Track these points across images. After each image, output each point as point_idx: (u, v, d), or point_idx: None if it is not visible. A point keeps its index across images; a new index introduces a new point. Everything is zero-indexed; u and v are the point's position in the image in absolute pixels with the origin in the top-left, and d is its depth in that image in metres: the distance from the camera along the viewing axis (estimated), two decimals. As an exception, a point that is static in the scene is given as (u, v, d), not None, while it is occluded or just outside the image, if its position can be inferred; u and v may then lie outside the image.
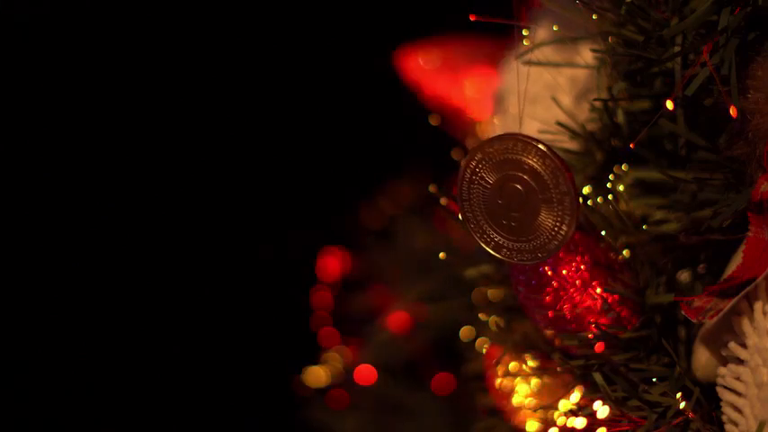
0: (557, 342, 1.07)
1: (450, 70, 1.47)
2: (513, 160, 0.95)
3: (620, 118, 1.07)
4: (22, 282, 1.92)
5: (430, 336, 1.49)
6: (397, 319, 1.52)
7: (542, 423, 1.11)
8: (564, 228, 0.95)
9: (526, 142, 0.95)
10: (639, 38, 0.99)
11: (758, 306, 0.96)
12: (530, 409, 1.13)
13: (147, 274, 1.92)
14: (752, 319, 0.96)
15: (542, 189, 0.95)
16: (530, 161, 0.95)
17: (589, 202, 1.05)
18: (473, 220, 0.98)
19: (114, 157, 1.93)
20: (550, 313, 1.05)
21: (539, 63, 1.09)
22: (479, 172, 0.97)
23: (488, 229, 0.98)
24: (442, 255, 1.31)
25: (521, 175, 0.96)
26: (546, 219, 0.96)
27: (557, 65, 1.11)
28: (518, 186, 0.96)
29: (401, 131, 1.69)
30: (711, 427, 1.00)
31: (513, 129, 0.98)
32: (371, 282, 1.55)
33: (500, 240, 0.98)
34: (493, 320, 1.13)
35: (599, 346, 1.03)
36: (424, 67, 1.47)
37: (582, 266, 1.03)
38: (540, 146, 0.94)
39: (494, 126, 1.29)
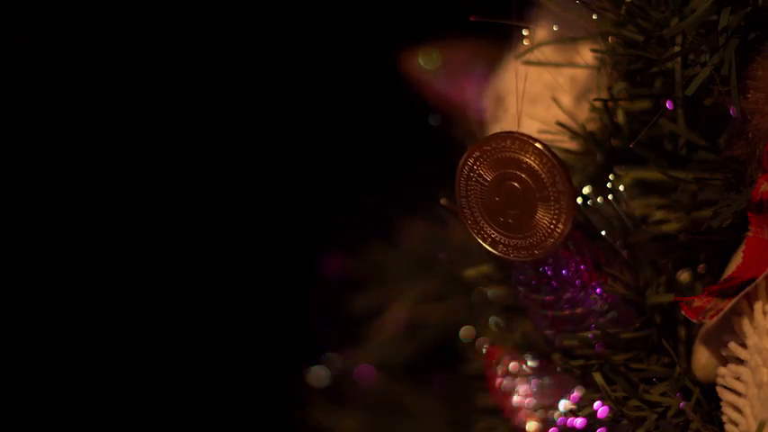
0: (557, 342, 1.07)
1: (451, 70, 1.47)
2: (511, 158, 0.96)
3: (620, 118, 1.07)
4: (22, 282, 1.92)
5: (430, 336, 1.49)
6: (396, 318, 1.52)
7: (542, 423, 1.11)
8: (560, 226, 0.96)
9: (523, 141, 0.95)
10: (639, 38, 0.99)
11: (758, 306, 0.96)
12: (530, 409, 1.13)
13: (147, 274, 1.92)
14: (752, 319, 0.96)
15: (539, 187, 0.95)
16: (527, 159, 0.95)
17: (589, 202, 1.05)
18: (470, 217, 0.99)
19: (114, 156, 1.93)
20: (550, 313, 1.05)
21: (539, 63, 1.09)
22: (477, 169, 0.97)
23: (485, 225, 0.98)
24: (441, 255, 1.31)
25: (518, 173, 0.96)
26: (543, 217, 0.96)
27: (557, 65, 1.11)
28: (515, 184, 0.96)
29: (402, 131, 1.69)
30: (711, 427, 1.00)
31: (512, 128, 0.98)
32: (371, 282, 1.55)
33: (497, 237, 0.98)
34: (493, 320, 1.13)
35: (599, 346, 1.03)
36: (424, 68, 1.48)
37: (582, 266, 1.04)
38: (538, 144, 0.95)
39: (493, 126, 1.29)
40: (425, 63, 1.48)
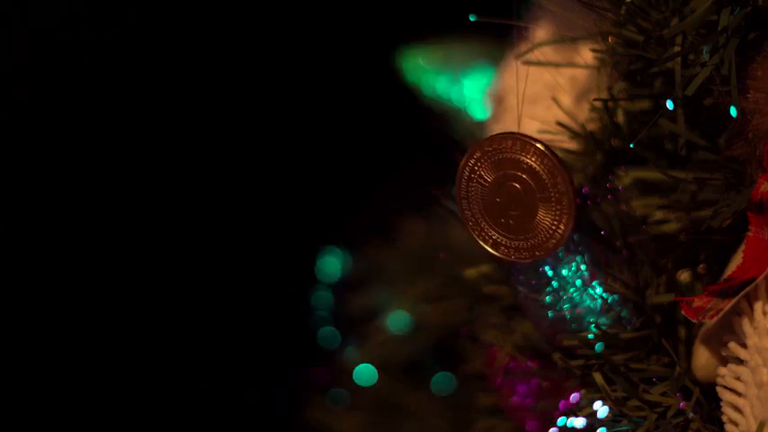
0: (557, 342, 1.07)
1: (451, 70, 1.47)
2: (512, 159, 0.96)
3: (620, 118, 1.07)
4: (22, 282, 1.92)
5: (430, 336, 1.49)
6: (397, 319, 1.52)
7: (542, 423, 1.11)
8: (561, 227, 0.96)
9: (525, 141, 0.95)
10: (639, 38, 0.99)
11: (758, 306, 0.96)
12: (530, 409, 1.13)
13: (147, 274, 1.92)
14: (752, 319, 0.96)
15: (540, 188, 0.95)
16: (528, 160, 0.95)
17: (589, 202, 1.05)
18: (471, 218, 0.99)
19: (114, 156, 1.93)
20: (550, 313, 1.05)
21: (539, 63, 1.09)
22: (478, 170, 0.97)
23: (486, 226, 0.98)
24: (441, 255, 1.31)
25: (519, 174, 0.96)
26: (544, 218, 0.96)
27: (557, 65, 1.11)
28: (516, 185, 0.96)
29: (401, 131, 1.69)
30: (711, 427, 1.00)
31: (513, 128, 0.98)
32: (371, 282, 1.55)
33: (498, 238, 0.98)
34: (493, 320, 1.13)
35: (599, 347, 1.03)
36: (424, 67, 1.48)
37: (582, 266, 1.04)
38: (539, 145, 0.95)
39: (493, 126, 1.29)
40: (425, 63, 1.48)
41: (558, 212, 0.95)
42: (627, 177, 1.07)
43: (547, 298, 1.05)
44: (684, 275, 1.06)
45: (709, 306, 0.96)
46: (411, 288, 1.49)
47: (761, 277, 0.95)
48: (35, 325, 1.92)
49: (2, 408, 1.90)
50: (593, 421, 1.02)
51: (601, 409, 1.01)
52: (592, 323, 1.04)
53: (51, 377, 1.92)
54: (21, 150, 1.92)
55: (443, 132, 1.44)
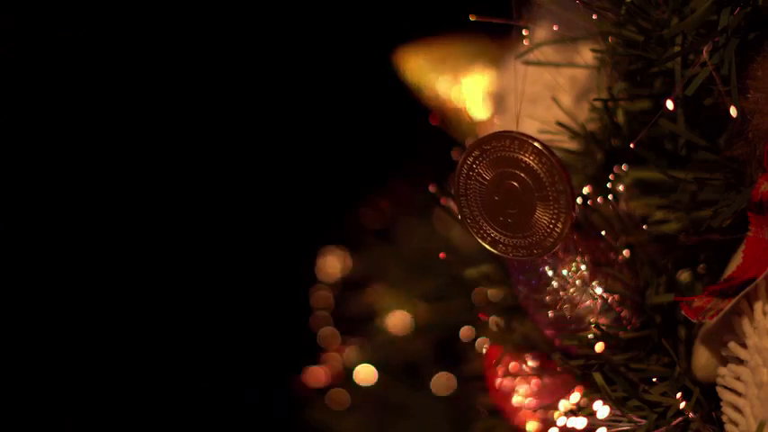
0: (557, 342, 1.07)
1: (450, 70, 1.47)
2: (510, 158, 0.96)
3: (620, 118, 1.07)
4: (22, 282, 1.92)
5: (430, 336, 1.49)
6: (397, 319, 1.52)
7: (542, 423, 1.11)
8: (559, 225, 0.96)
9: (523, 140, 0.95)
10: (639, 38, 1.00)
11: (758, 306, 0.96)
12: (530, 409, 1.13)
13: (147, 274, 1.93)
14: (752, 319, 0.96)
15: (538, 187, 0.95)
16: (526, 159, 0.95)
17: (589, 202, 1.05)
18: (470, 216, 0.99)
19: (114, 156, 1.93)
20: (550, 313, 1.05)
21: (539, 63, 1.09)
22: (476, 168, 0.97)
23: (485, 224, 0.98)
24: (441, 255, 1.31)
25: (517, 172, 0.96)
26: (542, 216, 0.96)
27: (557, 65, 1.11)
28: (514, 183, 0.96)
29: (401, 131, 1.70)
30: (711, 427, 1.00)
31: (512, 128, 0.98)
32: (371, 282, 1.55)
33: (496, 236, 0.98)
34: (493, 320, 1.13)
35: (599, 346, 1.03)
36: (423, 67, 1.48)
37: (582, 266, 1.04)
38: (537, 144, 0.95)
39: (493, 126, 1.29)
40: (425, 63, 1.48)
41: (555, 211, 0.95)
42: (627, 177, 1.07)
43: (547, 298, 1.05)
44: (684, 275, 1.06)
45: (709, 306, 0.96)
46: (411, 288, 1.50)
47: (761, 277, 0.95)
48: (35, 325, 1.92)
49: (1, 407, 1.90)
50: (593, 421, 1.02)
51: (601, 409, 1.01)
52: (592, 323, 1.04)
53: (51, 377, 1.92)
54: (20, 150, 1.92)
55: (443, 132, 1.44)
